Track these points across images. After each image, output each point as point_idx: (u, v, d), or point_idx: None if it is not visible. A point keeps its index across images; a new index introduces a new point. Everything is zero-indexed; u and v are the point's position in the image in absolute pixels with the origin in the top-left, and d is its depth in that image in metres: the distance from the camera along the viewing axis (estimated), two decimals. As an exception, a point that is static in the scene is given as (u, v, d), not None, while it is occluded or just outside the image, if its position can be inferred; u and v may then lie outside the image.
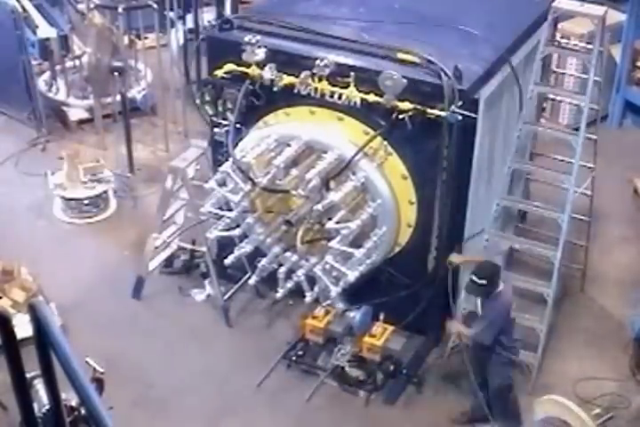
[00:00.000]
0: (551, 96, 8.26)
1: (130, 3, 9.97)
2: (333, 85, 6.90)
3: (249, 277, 8.06)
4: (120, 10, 9.77)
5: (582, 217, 8.15)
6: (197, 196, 7.79)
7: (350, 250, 6.81)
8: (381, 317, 7.45)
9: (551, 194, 7.99)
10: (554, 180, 7.65)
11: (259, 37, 6.95)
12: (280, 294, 7.06)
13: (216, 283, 8.07)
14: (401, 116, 6.72)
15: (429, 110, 6.64)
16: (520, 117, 7.42)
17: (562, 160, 7.76)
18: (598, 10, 7.36)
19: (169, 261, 8.60)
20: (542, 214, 7.62)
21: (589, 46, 7.33)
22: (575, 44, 8.00)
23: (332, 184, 6.91)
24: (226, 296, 8.14)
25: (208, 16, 11.47)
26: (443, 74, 6.60)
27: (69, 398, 4.77)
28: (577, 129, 7.28)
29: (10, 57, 10.38)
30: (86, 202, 9.37)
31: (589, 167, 7.83)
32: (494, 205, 7.43)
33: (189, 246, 8.37)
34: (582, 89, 7.43)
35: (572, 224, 7.59)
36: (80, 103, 10.91)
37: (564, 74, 9.53)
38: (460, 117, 6.56)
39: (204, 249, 8.02)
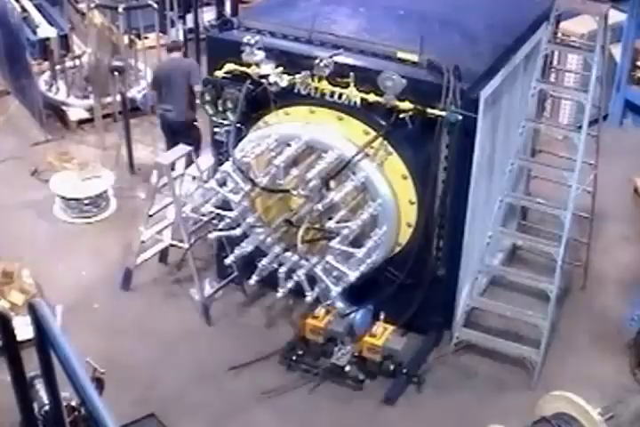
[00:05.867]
0: (554, 93, 8.24)
1: (130, 3, 9.98)
2: (333, 85, 6.90)
3: (237, 276, 8.13)
4: (120, 10, 9.78)
5: (584, 214, 8.14)
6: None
7: (351, 250, 6.81)
8: (382, 316, 7.45)
9: (552, 192, 7.98)
10: (556, 177, 7.65)
11: (258, 37, 6.95)
12: (280, 293, 7.06)
13: (197, 280, 8.12)
14: (401, 116, 6.72)
15: (429, 110, 6.64)
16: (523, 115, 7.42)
17: (566, 158, 7.70)
18: (601, 7, 7.36)
19: (163, 257, 8.63)
20: (545, 211, 7.64)
21: (592, 43, 7.33)
22: (578, 42, 8.01)
23: (332, 184, 6.91)
24: (206, 294, 8.14)
25: (208, 16, 11.50)
26: (443, 74, 6.60)
27: (69, 398, 4.78)
28: (580, 127, 7.29)
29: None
30: (86, 202, 9.37)
31: (591, 164, 7.82)
32: (498, 201, 7.43)
33: (178, 243, 8.37)
34: (584, 87, 7.44)
35: (573, 222, 7.59)
36: (80, 103, 10.92)
37: (568, 71, 9.52)
38: (460, 117, 6.56)
39: (185, 246, 8.06)
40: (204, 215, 7.88)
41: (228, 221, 7.13)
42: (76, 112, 10.92)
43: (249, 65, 7.06)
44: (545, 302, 7.41)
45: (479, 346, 7.63)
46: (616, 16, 10.78)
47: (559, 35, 7.94)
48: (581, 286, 8.45)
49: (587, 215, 8.20)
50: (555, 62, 9.49)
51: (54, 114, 11.01)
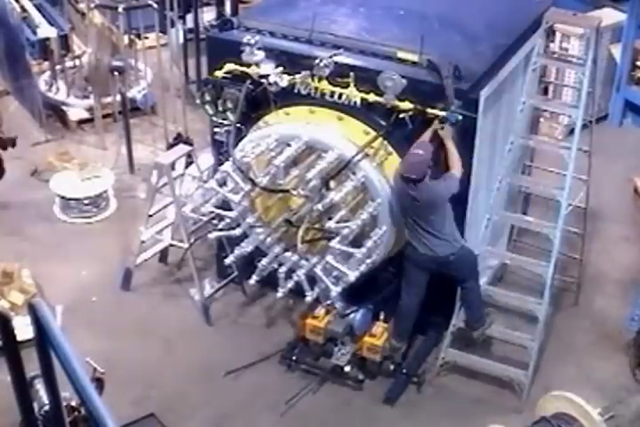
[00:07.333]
0: (545, 108, 8.13)
1: (130, 3, 9.97)
2: (333, 85, 6.90)
3: (237, 276, 8.14)
4: (120, 10, 9.77)
5: (576, 230, 8.02)
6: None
7: (351, 250, 6.81)
8: (381, 316, 7.45)
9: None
10: (547, 194, 7.50)
11: (258, 37, 6.95)
12: (280, 293, 7.06)
13: (197, 280, 8.14)
14: (401, 116, 6.72)
15: (429, 110, 6.64)
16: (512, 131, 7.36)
17: (557, 173, 7.55)
18: (592, 20, 7.33)
19: (163, 257, 8.63)
20: (535, 229, 7.53)
21: (584, 57, 7.30)
22: (571, 56, 7.95)
23: (332, 184, 6.91)
24: (206, 294, 8.16)
25: (208, 16, 11.51)
26: (443, 73, 6.60)
27: (69, 398, 4.78)
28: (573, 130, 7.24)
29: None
30: (86, 202, 9.38)
31: (581, 179, 7.67)
32: (485, 219, 7.32)
33: (178, 243, 8.36)
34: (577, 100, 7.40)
35: (569, 232, 7.52)
36: (80, 103, 10.92)
37: (557, 84, 9.49)
38: (460, 117, 6.56)
39: (185, 246, 8.07)
40: (203, 215, 7.89)
41: (227, 221, 7.13)
42: (75, 112, 10.92)
43: (249, 65, 7.06)
44: (534, 322, 7.30)
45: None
46: (616, 16, 10.81)
47: (557, 37, 7.91)
48: (574, 302, 8.32)
49: (578, 231, 8.06)
50: (554, 73, 9.49)
51: (54, 114, 11.00)
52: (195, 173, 8.44)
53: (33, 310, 3.16)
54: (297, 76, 6.90)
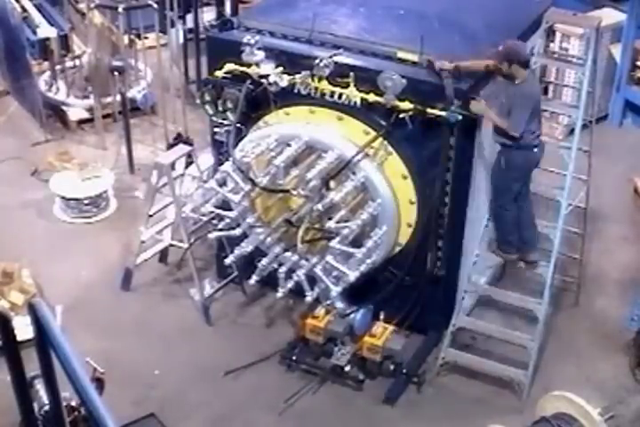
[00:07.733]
0: (546, 108, 8.13)
1: (130, 3, 9.98)
2: (333, 85, 6.90)
3: (237, 276, 8.14)
4: (120, 10, 9.77)
5: (576, 230, 8.02)
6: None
7: (351, 250, 6.81)
8: (381, 316, 7.46)
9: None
10: (547, 194, 7.50)
11: (258, 38, 6.95)
12: (280, 293, 7.07)
13: (197, 280, 8.14)
14: (401, 116, 6.73)
15: (429, 110, 6.64)
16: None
17: (557, 173, 7.52)
18: (592, 20, 7.33)
19: (163, 257, 8.63)
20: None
21: (584, 57, 7.30)
22: (571, 56, 7.94)
23: (332, 184, 6.92)
24: (206, 294, 8.15)
25: (208, 16, 11.50)
26: (442, 73, 6.60)
27: (69, 398, 4.78)
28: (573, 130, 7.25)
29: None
30: (86, 202, 9.38)
31: (581, 179, 7.67)
32: (485, 219, 7.28)
33: (178, 243, 8.36)
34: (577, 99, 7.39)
35: (569, 232, 7.50)
36: (80, 103, 10.92)
37: (557, 84, 9.48)
38: (460, 117, 6.56)
39: (185, 246, 8.07)
40: (204, 215, 7.89)
41: (227, 221, 7.13)
42: (75, 112, 10.92)
43: (249, 65, 7.06)
44: (534, 322, 7.29)
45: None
46: (616, 16, 10.81)
47: (557, 37, 7.91)
48: (574, 302, 8.31)
49: (579, 231, 8.06)
50: (554, 73, 9.48)
51: (54, 114, 11.00)
52: (195, 173, 8.45)
53: (33, 310, 3.16)
54: (297, 76, 6.90)
